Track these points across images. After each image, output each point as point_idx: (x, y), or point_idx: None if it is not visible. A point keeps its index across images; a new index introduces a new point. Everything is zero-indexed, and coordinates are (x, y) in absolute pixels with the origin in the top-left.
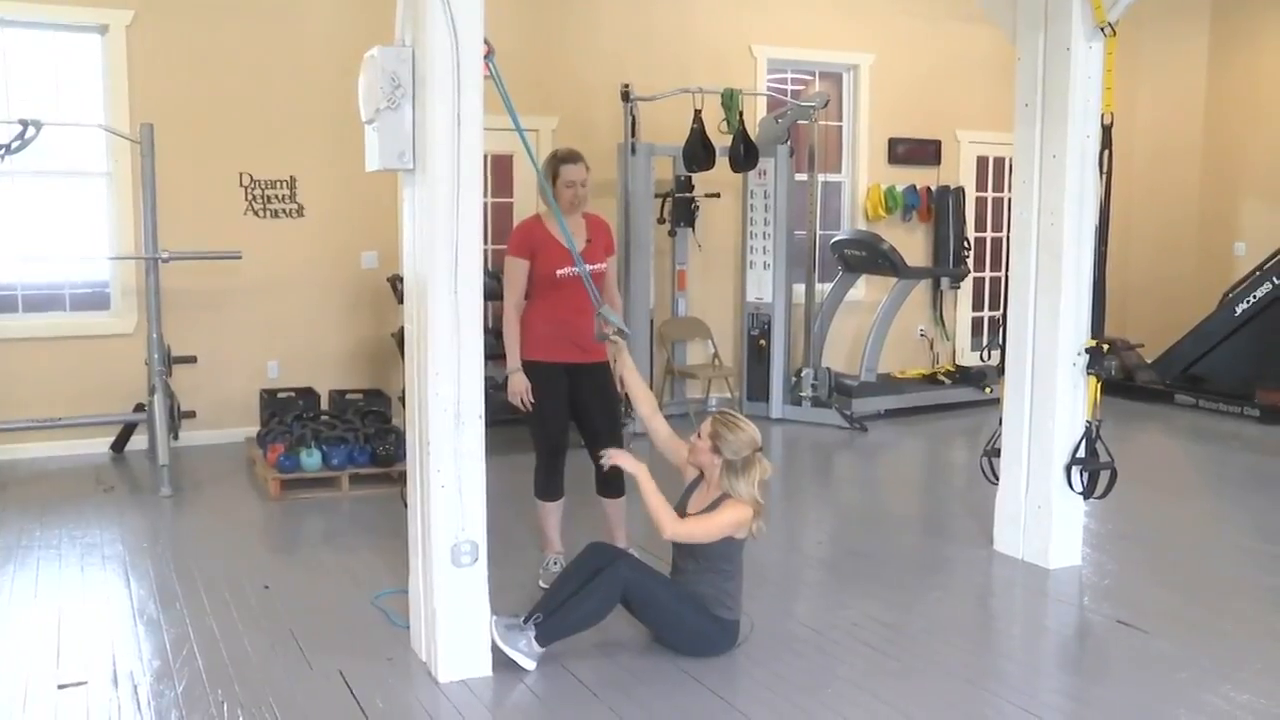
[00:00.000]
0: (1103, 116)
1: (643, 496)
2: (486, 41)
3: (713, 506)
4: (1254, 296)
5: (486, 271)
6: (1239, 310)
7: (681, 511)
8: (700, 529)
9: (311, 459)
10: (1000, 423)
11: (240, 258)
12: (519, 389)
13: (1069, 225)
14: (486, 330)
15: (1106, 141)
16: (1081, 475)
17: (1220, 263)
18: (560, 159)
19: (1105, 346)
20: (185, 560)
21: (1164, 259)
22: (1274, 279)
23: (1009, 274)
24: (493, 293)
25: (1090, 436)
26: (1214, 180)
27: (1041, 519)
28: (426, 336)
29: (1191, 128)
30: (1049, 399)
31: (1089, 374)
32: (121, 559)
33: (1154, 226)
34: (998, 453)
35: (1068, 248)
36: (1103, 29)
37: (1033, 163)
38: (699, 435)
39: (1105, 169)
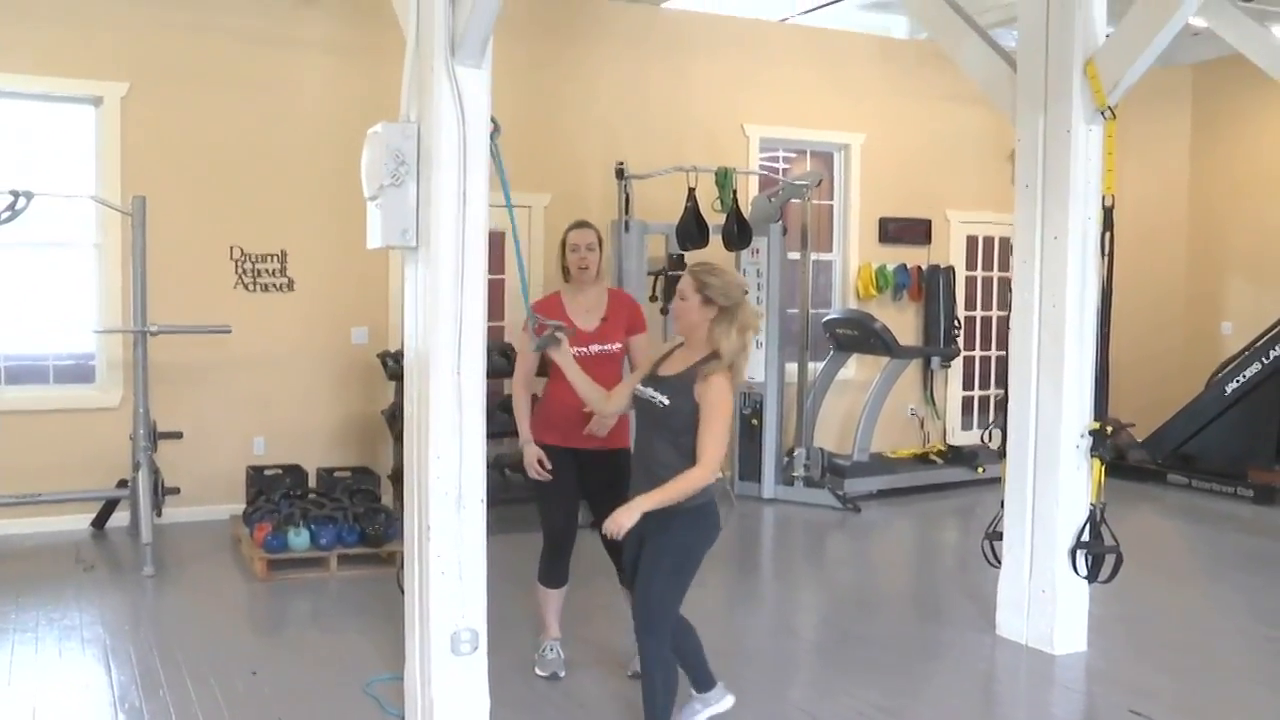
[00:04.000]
0: (1104, 198)
1: (666, 500)
2: (493, 119)
3: (690, 372)
4: (1244, 376)
5: (494, 350)
6: (1229, 389)
7: (658, 378)
8: (715, 441)
9: (299, 538)
10: (1002, 505)
11: (230, 332)
12: (531, 460)
13: (1071, 307)
14: (492, 408)
15: (1108, 223)
16: (1086, 559)
17: (1208, 342)
18: (569, 228)
19: (1109, 429)
20: (169, 643)
21: (1152, 338)
22: (1263, 359)
23: (1010, 355)
24: (498, 370)
25: (1094, 520)
26: (1200, 260)
27: (1046, 604)
28: (428, 417)
29: (1177, 208)
30: (1052, 482)
31: (1093, 456)
32: (102, 642)
33: (1142, 306)
34: (999, 535)
35: (1070, 329)
36: (1102, 112)
37: (1034, 244)
38: (681, 296)
39: (1106, 250)
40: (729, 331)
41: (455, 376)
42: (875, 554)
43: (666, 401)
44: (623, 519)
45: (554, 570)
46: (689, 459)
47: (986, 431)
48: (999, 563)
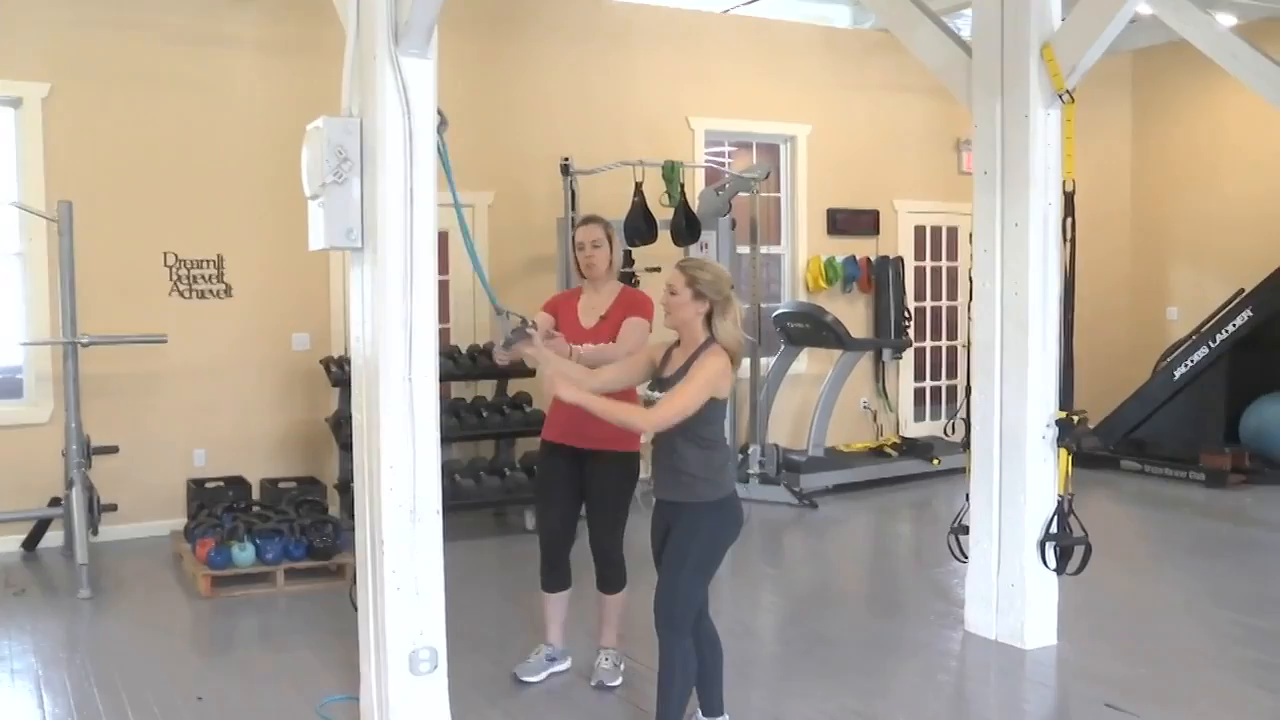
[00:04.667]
0: (1064, 183)
1: (601, 413)
2: (440, 112)
3: (689, 364)
4: (1191, 360)
5: (441, 353)
6: (1178, 374)
7: (662, 380)
8: (680, 401)
9: (244, 553)
10: (967, 499)
11: (165, 341)
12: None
13: (1034, 295)
14: (443, 413)
15: (1069, 209)
16: (1055, 551)
17: (1153, 328)
18: (577, 224)
19: (1076, 418)
20: (108, 670)
21: (1098, 325)
22: (1209, 343)
23: (972, 345)
24: (449, 375)
25: (1063, 511)
26: (1144, 246)
27: (1015, 598)
28: (379, 425)
29: (1120, 195)
30: (1019, 474)
31: (1060, 447)
32: (34, 673)
33: (1088, 294)
34: (965, 529)
35: (1034, 317)
36: (1061, 95)
37: (994, 231)
38: (671, 292)
39: (1069, 236)
40: (725, 322)
41: (407, 383)
42: (835, 550)
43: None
44: (561, 390)
45: (550, 575)
46: (712, 449)
47: (949, 423)
48: (965, 557)
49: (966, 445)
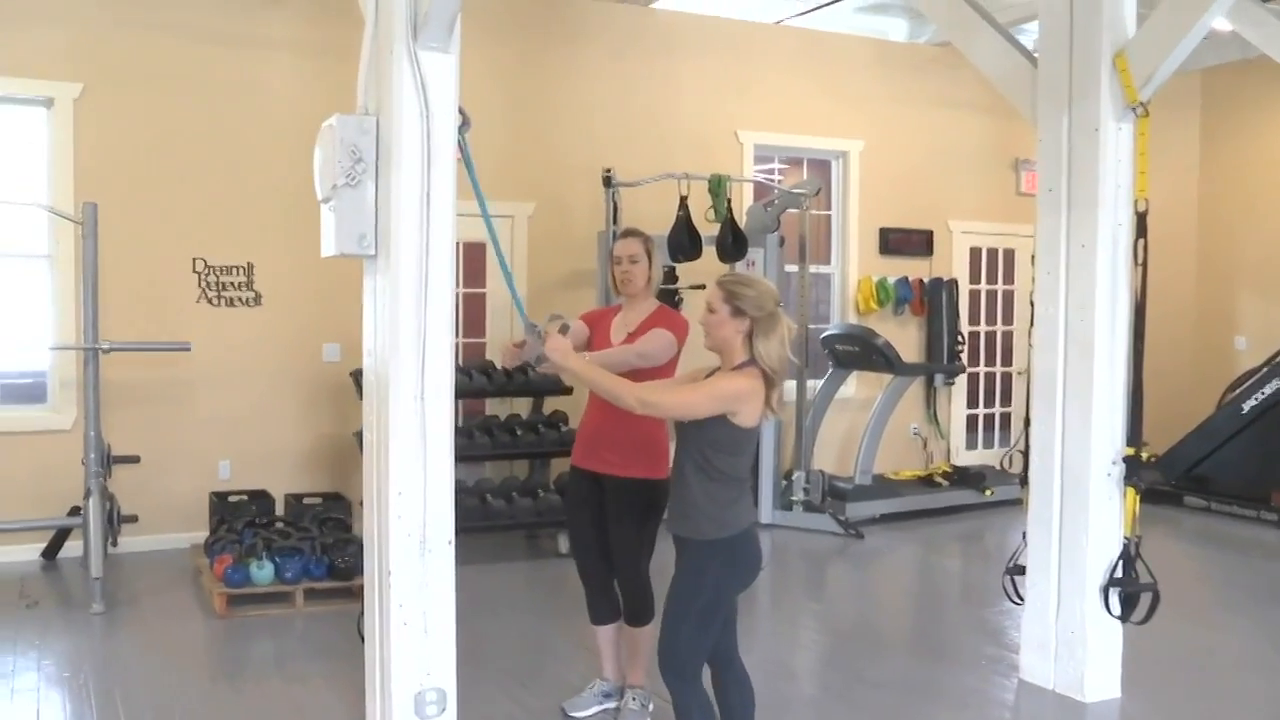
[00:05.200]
0: (1136, 202)
1: (589, 380)
2: (461, 111)
3: None
4: (1262, 393)
5: (458, 368)
6: (1246, 408)
7: None
8: (680, 397)
9: (262, 572)
10: (1024, 537)
11: (189, 349)
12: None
13: (1101, 321)
14: (458, 431)
15: (1141, 229)
16: (1120, 598)
17: (1220, 357)
18: (617, 236)
19: (1145, 455)
20: (110, 693)
21: (1160, 353)
22: None
23: (1032, 373)
24: (479, 389)
25: (1129, 554)
26: (1210, 273)
27: (1075, 646)
28: (387, 448)
29: (1185, 219)
30: (1081, 513)
31: (1126, 485)
32: (35, 692)
33: (1151, 320)
34: (1021, 570)
35: (1100, 345)
36: (1134, 108)
37: (1059, 253)
38: (710, 309)
39: (1140, 260)
40: (768, 342)
41: (418, 402)
42: (882, 585)
43: (688, 420)
44: (552, 345)
45: (593, 606)
46: (723, 483)
47: (1006, 456)
48: (1022, 600)
49: (1024, 480)
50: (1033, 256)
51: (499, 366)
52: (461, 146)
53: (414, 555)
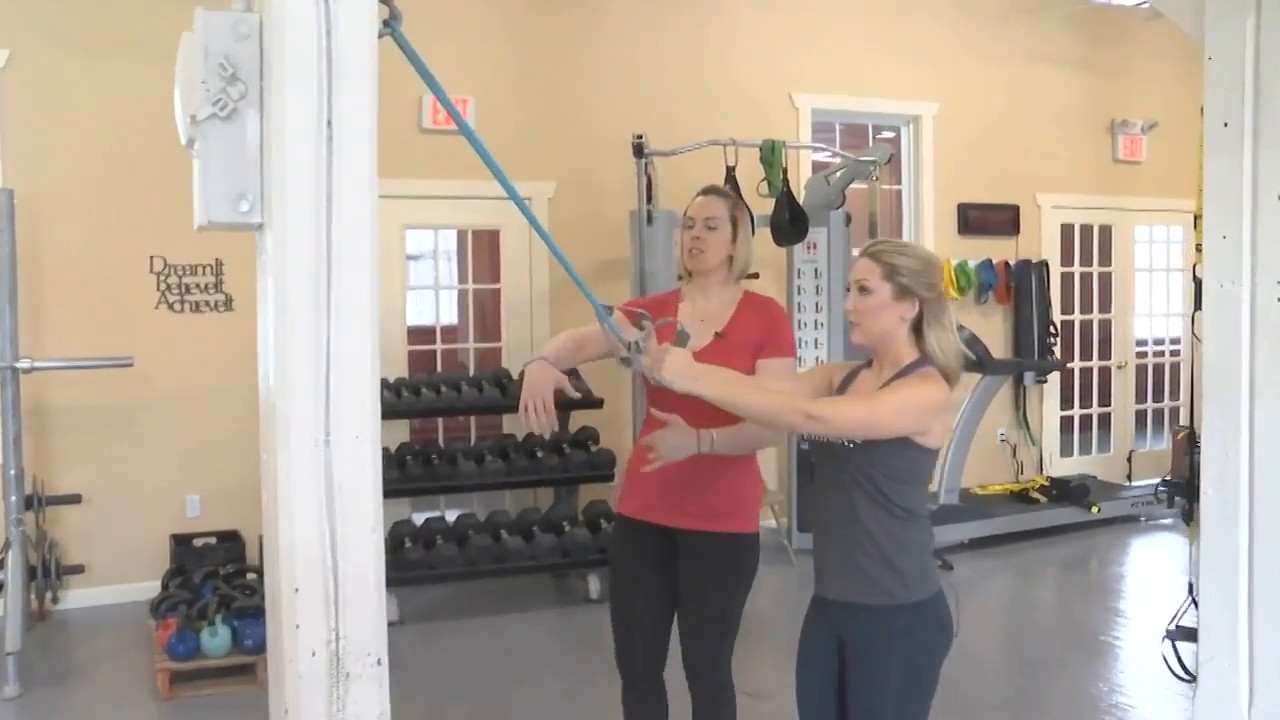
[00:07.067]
0: None
1: (738, 405)
2: (385, 1)
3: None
4: None
5: (468, 380)
6: None
7: None
8: (868, 408)
9: (216, 640)
10: (1191, 592)
11: (131, 364)
12: (530, 382)
13: None
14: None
15: None
16: None
17: None
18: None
19: None
20: None
21: None
22: None
23: (1204, 373)
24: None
25: None
26: None
27: None
28: (277, 520)
29: None
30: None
31: None
32: None
33: None
34: (1191, 635)
35: None
36: None
37: (1240, 208)
38: (863, 288)
39: None
40: (943, 333)
41: (322, 450)
42: (977, 628)
43: (855, 441)
44: (670, 368)
45: (636, 706)
46: (906, 522)
47: (1156, 489)
48: (1192, 676)
49: (1189, 516)
50: (1195, 217)
51: (523, 412)
52: (401, 43)
53: (320, 686)
